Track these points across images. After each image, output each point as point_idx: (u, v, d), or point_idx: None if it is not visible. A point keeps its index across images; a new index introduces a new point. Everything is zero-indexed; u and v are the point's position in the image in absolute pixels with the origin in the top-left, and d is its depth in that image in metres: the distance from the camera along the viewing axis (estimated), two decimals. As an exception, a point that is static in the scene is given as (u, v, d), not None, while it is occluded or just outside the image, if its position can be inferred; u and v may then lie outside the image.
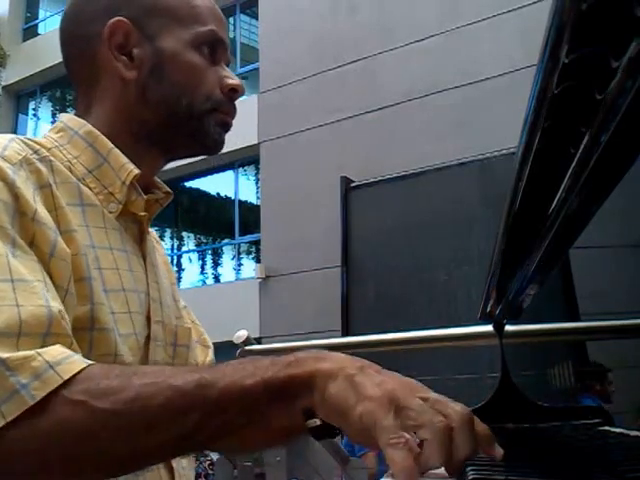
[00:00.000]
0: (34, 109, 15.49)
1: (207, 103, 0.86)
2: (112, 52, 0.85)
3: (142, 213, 0.86)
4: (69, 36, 0.89)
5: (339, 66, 9.37)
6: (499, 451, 0.54)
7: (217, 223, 13.12)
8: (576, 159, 0.64)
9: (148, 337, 0.81)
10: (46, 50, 13.47)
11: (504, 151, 3.54)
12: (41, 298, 0.64)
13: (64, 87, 14.77)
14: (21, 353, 0.59)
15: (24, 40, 15.27)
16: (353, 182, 4.51)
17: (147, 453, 0.60)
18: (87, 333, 0.72)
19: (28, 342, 0.61)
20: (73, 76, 0.90)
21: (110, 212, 0.81)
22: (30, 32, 15.39)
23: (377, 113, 8.90)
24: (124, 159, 0.83)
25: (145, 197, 0.86)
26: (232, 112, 0.90)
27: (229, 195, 12.49)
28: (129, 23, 0.84)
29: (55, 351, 0.61)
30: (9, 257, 0.65)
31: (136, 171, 0.83)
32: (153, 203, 0.89)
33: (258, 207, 10.63)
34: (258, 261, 10.55)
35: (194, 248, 13.05)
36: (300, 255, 8.97)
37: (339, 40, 9.40)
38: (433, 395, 0.54)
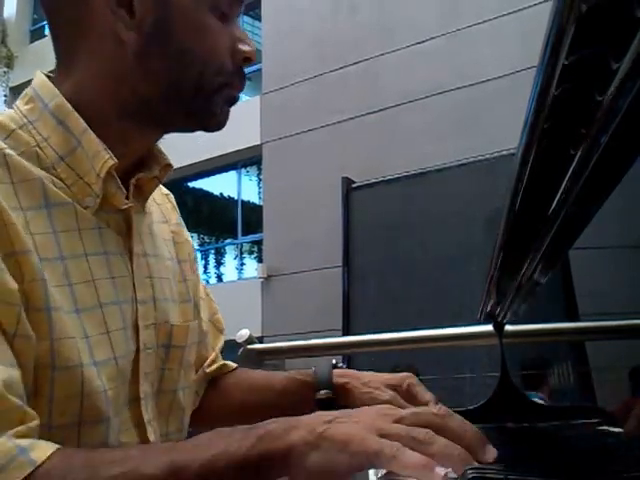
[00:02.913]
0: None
1: (219, 77, 0.72)
2: (110, 4, 0.68)
3: (125, 206, 0.73)
4: None
5: (341, 67, 9.37)
6: (490, 453, 0.55)
7: (220, 223, 13.12)
8: (576, 160, 0.64)
9: (137, 350, 0.74)
10: (53, 52, 13.50)
11: (504, 152, 3.54)
12: None
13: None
14: None
15: (31, 41, 15.21)
16: (354, 183, 4.52)
17: None
18: (48, 372, 0.62)
19: None
20: (54, 29, 0.73)
21: (86, 208, 0.69)
22: (37, 34, 15.32)
23: (378, 114, 8.91)
24: (99, 145, 0.69)
25: (125, 191, 0.73)
26: (242, 85, 0.75)
27: (232, 195, 12.49)
28: None
29: (2, 447, 0.51)
30: None
31: (111, 161, 0.69)
32: (148, 181, 0.77)
33: (260, 207, 10.62)
34: (260, 261, 10.54)
35: (197, 248, 13.06)
36: (302, 255, 8.98)
37: (341, 42, 9.41)
38: (403, 413, 0.55)
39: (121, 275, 0.73)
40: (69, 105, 0.69)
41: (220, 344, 1.00)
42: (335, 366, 0.94)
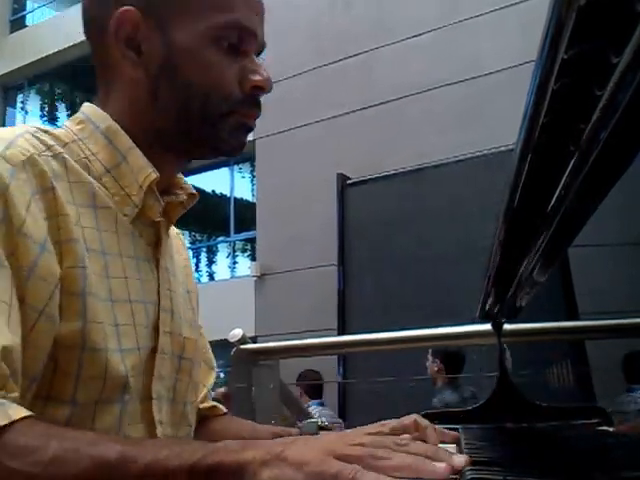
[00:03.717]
0: (22, 102, 15.29)
1: (223, 105, 0.77)
2: (119, 47, 0.76)
3: (158, 219, 0.80)
4: (85, 18, 0.81)
5: (336, 61, 9.34)
6: (459, 459, 0.56)
7: (212, 220, 13.10)
8: (575, 156, 0.64)
9: (155, 349, 0.78)
10: (34, 42, 13.33)
11: (502, 148, 3.54)
12: None
13: (53, 80, 14.65)
14: None
15: (11, 32, 14.93)
16: (350, 179, 4.51)
17: None
18: (77, 352, 0.68)
19: None
20: (93, 58, 0.82)
21: (125, 215, 0.76)
22: (18, 24, 15.09)
23: (375, 109, 8.90)
24: (143, 160, 0.77)
25: (163, 203, 0.80)
26: (254, 112, 0.79)
27: (224, 192, 12.48)
28: (138, 13, 0.75)
29: None
30: None
31: (154, 175, 0.77)
32: (175, 206, 0.84)
33: (254, 204, 10.59)
34: (253, 259, 10.52)
35: (189, 246, 13.04)
36: (296, 253, 8.97)
37: (336, 35, 9.38)
38: (366, 438, 0.56)
39: (148, 280, 0.79)
40: (118, 127, 0.78)
41: (211, 382, 1.02)
42: (322, 427, 0.92)
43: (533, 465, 0.70)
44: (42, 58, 13.19)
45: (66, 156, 0.73)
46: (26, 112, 15.14)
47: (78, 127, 0.79)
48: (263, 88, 0.79)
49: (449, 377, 3.82)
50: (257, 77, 0.78)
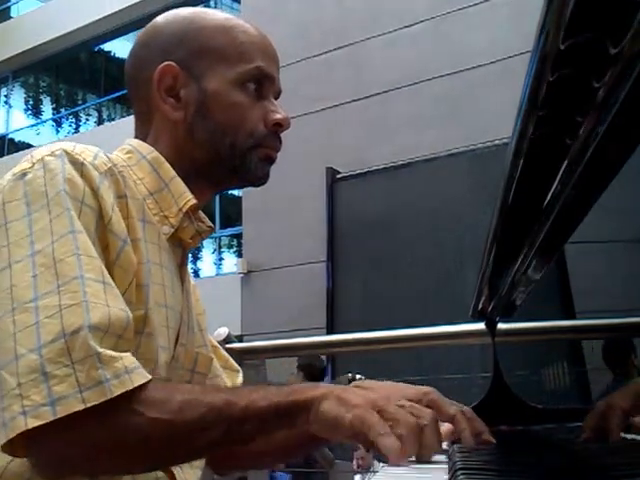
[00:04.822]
0: (6, 96, 15.13)
1: (250, 140, 0.91)
2: (161, 95, 0.91)
3: (189, 240, 0.93)
4: (128, 78, 0.97)
5: (324, 52, 9.32)
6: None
7: (198, 216, 13.06)
8: (572, 150, 0.64)
9: (172, 357, 0.89)
10: (19, 34, 13.21)
11: (497, 142, 3.53)
12: (122, 303, 0.75)
13: (37, 73, 14.55)
14: (109, 352, 0.69)
15: (-5, 22, 14.95)
16: (339, 173, 4.50)
17: (183, 454, 0.77)
18: (137, 336, 0.79)
19: (109, 340, 0.71)
20: (134, 107, 0.98)
21: (163, 234, 0.89)
22: (2, 15, 14.94)
23: (364, 102, 8.88)
24: (184, 188, 0.90)
25: (196, 226, 0.93)
26: (277, 146, 0.94)
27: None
28: (176, 67, 0.91)
29: (129, 359, 0.71)
30: (100, 261, 0.75)
31: (194, 201, 0.90)
32: (196, 235, 0.94)
33: (240, 199, 10.51)
34: (240, 255, 10.50)
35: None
36: (284, 249, 8.94)
37: (324, 26, 9.35)
38: (407, 403, 0.73)
39: (177, 292, 0.91)
40: (163, 158, 0.92)
41: (239, 380, 1.12)
42: (352, 379, 0.99)
43: (527, 468, 0.69)
44: (27, 50, 13.08)
45: (125, 174, 0.86)
46: (10, 106, 15.03)
47: (126, 156, 0.92)
48: (283, 125, 0.93)
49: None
50: (278, 116, 0.92)
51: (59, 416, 0.66)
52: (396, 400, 0.73)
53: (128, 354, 0.71)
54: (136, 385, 0.69)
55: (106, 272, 0.75)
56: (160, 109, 0.92)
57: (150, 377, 0.72)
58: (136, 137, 0.96)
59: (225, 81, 0.91)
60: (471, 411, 0.85)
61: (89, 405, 0.66)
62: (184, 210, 0.90)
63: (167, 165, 0.91)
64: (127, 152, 0.93)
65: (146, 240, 0.85)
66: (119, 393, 0.68)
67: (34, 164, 0.79)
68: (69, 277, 0.72)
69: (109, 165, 0.83)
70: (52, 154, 0.80)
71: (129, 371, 0.70)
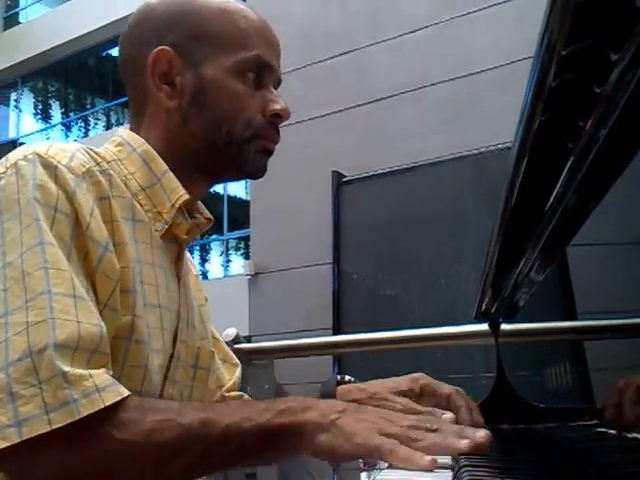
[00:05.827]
0: (16, 100, 15.22)
1: (247, 130, 0.87)
2: (155, 81, 0.87)
3: (184, 236, 0.89)
4: (122, 59, 0.92)
5: (330, 58, 9.32)
6: (479, 437, 0.65)
7: (207, 219, 13.05)
8: (574, 154, 0.64)
9: (172, 356, 0.86)
10: (27, 40, 13.25)
11: (500, 146, 3.52)
12: (95, 317, 0.70)
13: (46, 78, 14.57)
14: (77, 370, 0.65)
15: (5, 29, 14.88)
16: (345, 177, 4.49)
17: (155, 477, 0.69)
18: (124, 343, 0.76)
19: (80, 357, 0.67)
20: (127, 94, 0.93)
21: (156, 230, 0.85)
22: (11, 21, 15.02)
23: (369, 106, 8.87)
24: (176, 183, 0.86)
25: (190, 222, 0.89)
26: (275, 138, 0.90)
27: (217, 190, 12.46)
28: (172, 52, 0.86)
29: (101, 377, 0.67)
30: (72, 273, 0.70)
31: (186, 196, 0.86)
32: (193, 228, 0.91)
33: (247, 202, 10.55)
34: (247, 257, 10.49)
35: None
36: (290, 251, 8.94)
37: (330, 31, 9.35)
38: (406, 423, 0.67)
39: (172, 289, 0.87)
40: (154, 151, 0.87)
41: (237, 374, 1.09)
42: (341, 382, 0.96)
43: (530, 467, 0.69)
44: (35, 56, 13.13)
45: (111, 172, 0.81)
46: (20, 110, 15.07)
47: (116, 149, 0.88)
48: (282, 115, 0.89)
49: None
50: (277, 106, 0.88)
51: (25, 438, 0.62)
52: (396, 420, 0.68)
53: (101, 371, 0.68)
54: (108, 404, 0.65)
55: (78, 284, 0.70)
56: (154, 97, 0.87)
57: (126, 394, 0.67)
58: (131, 128, 0.92)
59: (223, 69, 0.86)
60: (463, 391, 0.86)
61: (55, 427, 0.63)
62: (177, 206, 0.85)
63: (159, 159, 0.87)
64: (117, 145, 0.89)
65: (136, 240, 0.81)
66: (88, 414, 0.64)
67: (7, 169, 0.75)
68: (36, 293, 0.68)
69: (88, 166, 0.78)
70: (25, 158, 0.75)
71: (100, 390, 0.66)
